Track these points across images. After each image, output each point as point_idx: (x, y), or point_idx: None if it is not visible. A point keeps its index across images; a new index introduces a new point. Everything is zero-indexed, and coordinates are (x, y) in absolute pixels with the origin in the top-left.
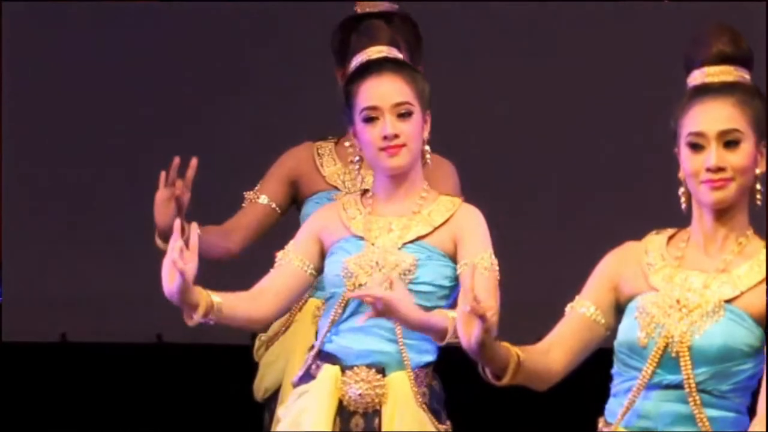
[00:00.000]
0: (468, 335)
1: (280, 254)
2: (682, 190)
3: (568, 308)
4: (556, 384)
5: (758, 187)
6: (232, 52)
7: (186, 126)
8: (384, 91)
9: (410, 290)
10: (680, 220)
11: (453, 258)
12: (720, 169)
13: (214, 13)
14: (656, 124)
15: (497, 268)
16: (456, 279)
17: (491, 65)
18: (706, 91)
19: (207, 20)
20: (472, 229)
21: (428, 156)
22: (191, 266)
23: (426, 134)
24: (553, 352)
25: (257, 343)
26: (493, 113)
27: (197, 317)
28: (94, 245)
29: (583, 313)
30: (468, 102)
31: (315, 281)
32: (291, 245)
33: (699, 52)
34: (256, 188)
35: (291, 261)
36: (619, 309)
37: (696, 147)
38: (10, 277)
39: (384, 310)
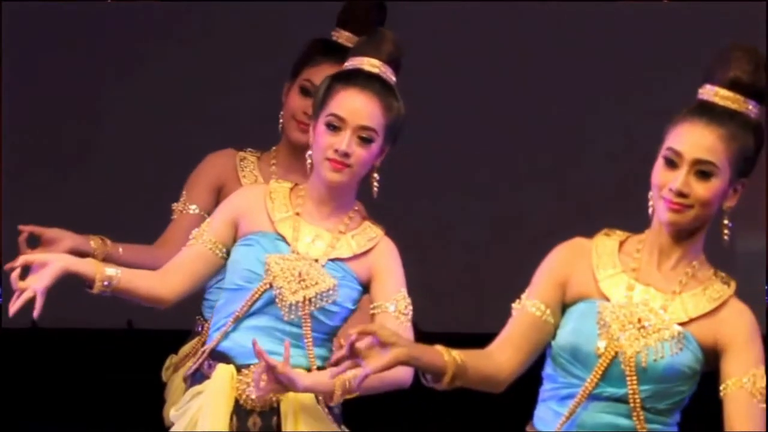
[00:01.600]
0: (383, 365)
1: (194, 233)
2: (651, 194)
3: (516, 305)
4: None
5: (726, 222)
6: None
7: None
8: (357, 108)
9: (321, 308)
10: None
11: (364, 285)
12: (681, 195)
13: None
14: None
15: (411, 309)
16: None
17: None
18: (704, 111)
19: None
20: (389, 268)
21: (376, 184)
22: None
23: (378, 163)
24: (503, 354)
25: (167, 362)
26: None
27: (97, 288)
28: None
29: (533, 312)
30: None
31: (225, 263)
32: (206, 225)
33: (718, 70)
34: (182, 198)
35: (204, 243)
36: (563, 307)
37: (670, 162)
38: None
39: (284, 383)
